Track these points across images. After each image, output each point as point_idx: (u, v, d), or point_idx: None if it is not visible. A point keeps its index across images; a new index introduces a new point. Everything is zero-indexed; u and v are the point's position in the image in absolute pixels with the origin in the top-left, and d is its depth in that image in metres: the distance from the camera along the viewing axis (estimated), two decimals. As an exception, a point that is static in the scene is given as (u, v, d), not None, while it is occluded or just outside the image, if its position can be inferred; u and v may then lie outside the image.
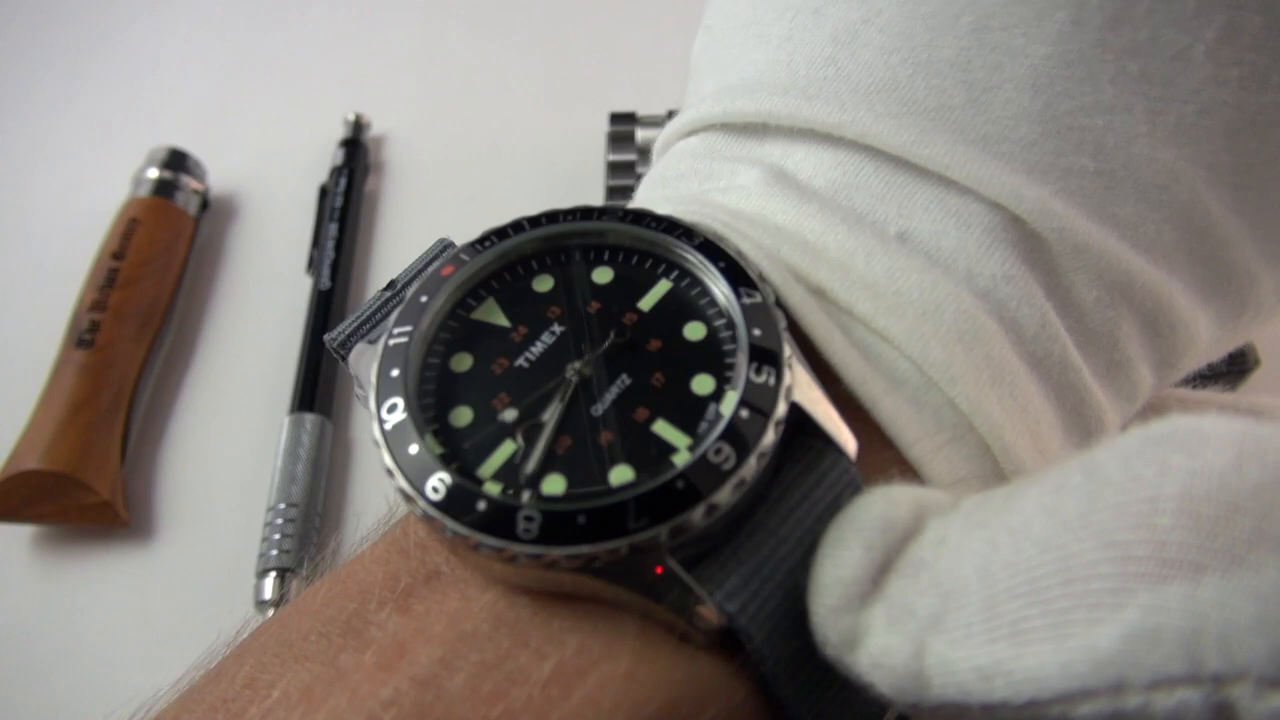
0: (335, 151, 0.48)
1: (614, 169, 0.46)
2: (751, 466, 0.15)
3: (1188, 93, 0.18)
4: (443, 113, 0.51)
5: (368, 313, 0.19)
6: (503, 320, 0.18)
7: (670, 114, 0.47)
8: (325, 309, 0.43)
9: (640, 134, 0.47)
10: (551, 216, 0.19)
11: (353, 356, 0.19)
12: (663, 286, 0.18)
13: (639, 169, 0.46)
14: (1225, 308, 0.20)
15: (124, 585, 0.36)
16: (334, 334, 0.19)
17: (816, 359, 0.17)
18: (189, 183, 0.46)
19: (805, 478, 0.16)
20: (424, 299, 0.18)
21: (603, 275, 0.19)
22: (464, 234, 0.49)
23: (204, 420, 0.41)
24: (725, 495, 0.15)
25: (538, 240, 0.19)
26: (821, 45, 0.20)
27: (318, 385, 0.40)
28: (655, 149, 0.24)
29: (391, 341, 0.17)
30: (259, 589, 0.34)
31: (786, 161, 0.20)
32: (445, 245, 0.20)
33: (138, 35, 0.56)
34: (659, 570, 0.15)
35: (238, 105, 0.52)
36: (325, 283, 0.43)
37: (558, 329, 0.18)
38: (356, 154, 0.48)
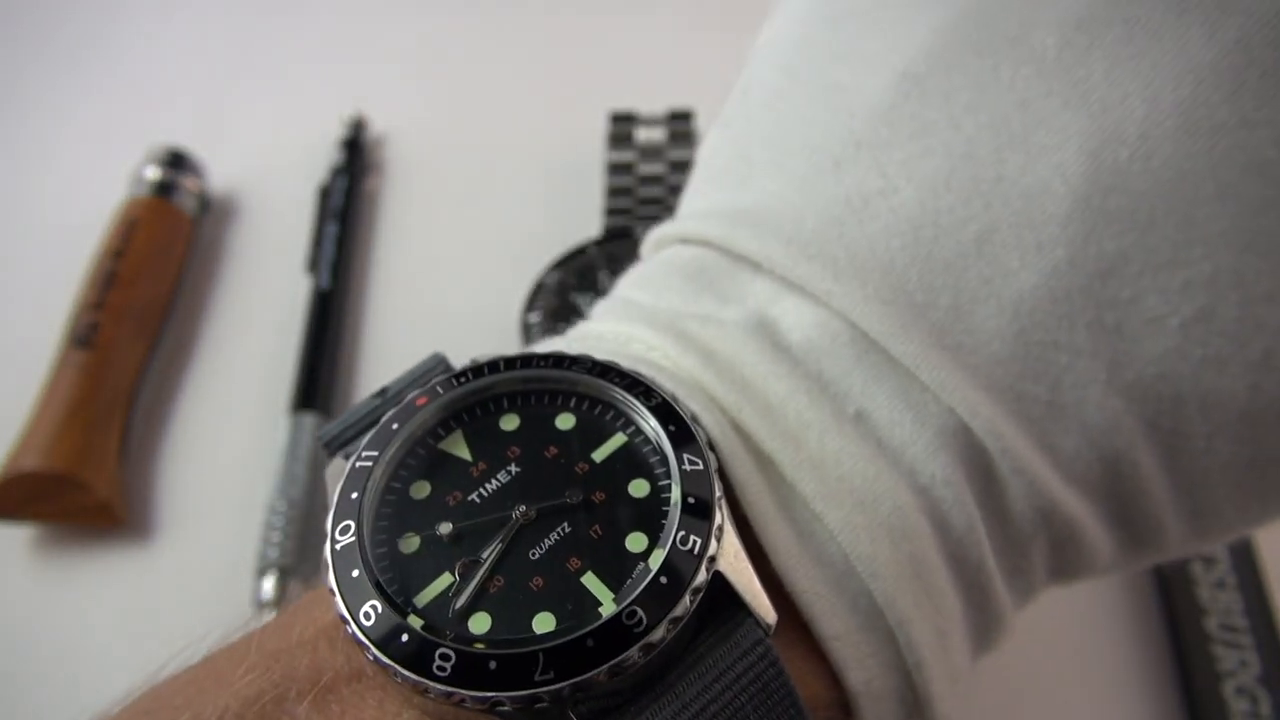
0: (335, 151, 0.48)
1: (613, 169, 0.46)
2: (661, 631, 0.16)
3: (1152, 356, 0.19)
4: (443, 113, 0.51)
5: (356, 417, 0.20)
6: (466, 454, 0.19)
7: (671, 114, 0.47)
8: (325, 309, 0.43)
9: (640, 134, 0.47)
10: (526, 360, 0.20)
11: (330, 468, 0.20)
12: (617, 440, 0.19)
13: (638, 169, 0.46)
14: (1129, 541, 0.21)
15: (123, 585, 0.36)
16: (323, 431, 0.20)
17: (751, 533, 0.18)
18: (188, 183, 0.46)
19: (720, 646, 0.16)
20: (395, 426, 0.19)
21: (565, 421, 0.19)
22: (463, 234, 0.48)
23: (203, 420, 0.41)
24: (633, 656, 0.15)
25: (513, 380, 0.20)
26: (834, 203, 0.21)
27: (317, 385, 0.40)
28: (649, 242, 0.25)
29: (358, 464, 0.18)
30: (258, 589, 0.34)
31: (771, 308, 0.21)
32: (438, 360, 0.21)
33: (138, 35, 0.56)
34: None
35: (237, 105, 0.52)
36: (325, 283, 0.43)
37: (514, 469, 0.19)
38: (356, 154, 0.48)
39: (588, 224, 0.45)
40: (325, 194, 0.47)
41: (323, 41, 0.55)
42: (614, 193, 0.45)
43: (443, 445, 0.19)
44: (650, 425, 0.19)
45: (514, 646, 0.16)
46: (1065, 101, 0.20)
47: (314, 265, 0.44)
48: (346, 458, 0.19)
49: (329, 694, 0.17)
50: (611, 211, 0.44)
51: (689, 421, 0.18)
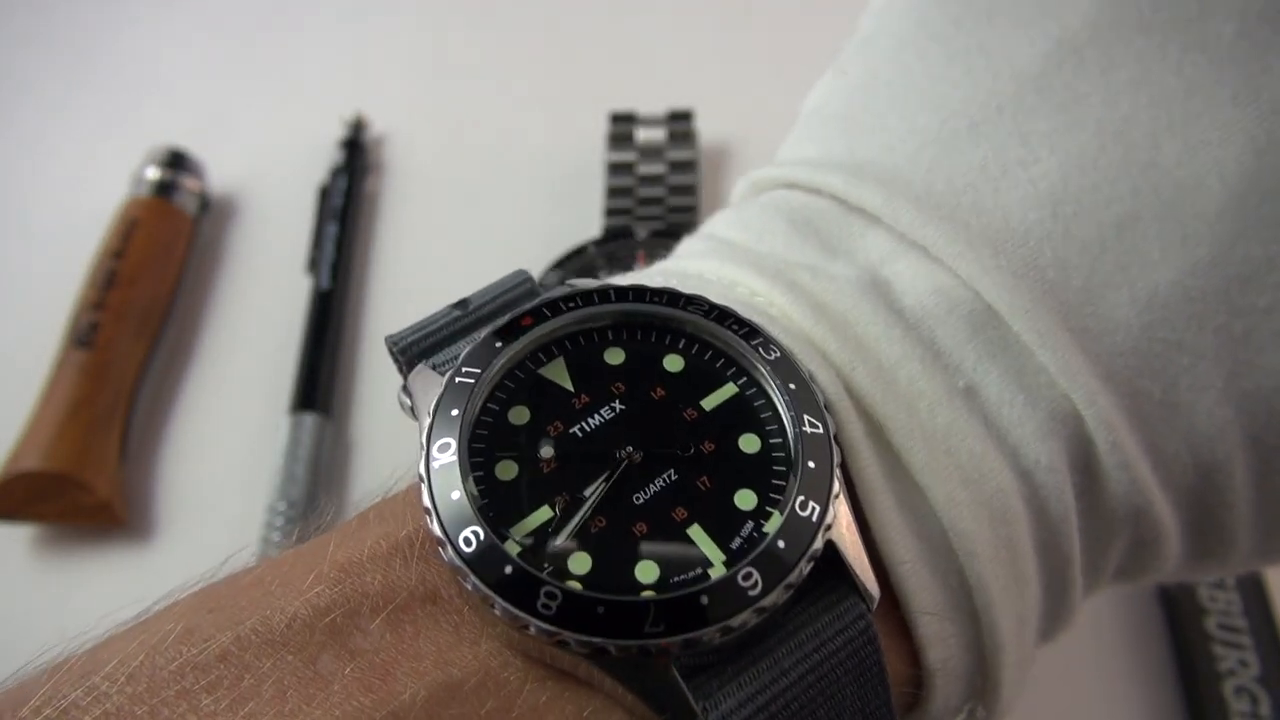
0: (335, 151, 0.48)
1: (614, 169, 0.46)
2: (775, 595, 0.15)
3: (1274, 369, 0.19)
4: (443, 113, 0.51)
5: (433, 326, 0.19)
6: (567, 384, 0.18)
7: (671, 114, 0.47)
8: (325, 309, 0.43)
9: (640, 134, 0.47)
10: (639, 294, 0.19)
11: (414, 375, 0.19)
12: (728, 390, 0.18)
13: (638, 169, 0.46)
14: (1196, 551, 0.21)
15: (123, 585, 0.36)
16: (395, 336, 0.19)
17: (856, 499, 0.18)
18: (188, 183, 0.46)
19: (822, 617, 0.16)
20: (498, 344, 0.18)
21: (674, 363, 0.19)
22: (463, 234, 0.48)
23: (203, 420, 0.41)
24: (744, 618, 0.15)
25: (620, 313, 0.19)
26: (967, 167, 0.20)
27: (317, 385, 0.40)
28: (743, 184, 0.24)
29: (458, 379, 0.17)
30: (258, 589, 0.34)
31: (886, 267, 0.20)
32: (524, 278, 0.20)
33: (138, 35, 0.56)
34: (663, 675, 0.15)
35: (237, 105, 0.52)
36: (325, 283, 0.43)
37: (618, 406, 0.18)
38: (356, 154, 0.48)
39: (588, 224, 0.45)
40: (325, 194, 0.47)
41: (323, 42, 0.55)
42: (614, 193, 0.45)
43: (543, 371, 0.18)
44: (768, 381, 0.18)
45: (617, 592, 0.15)
46: (1235, 95, 0.19)
47: (314, 265, 0.44)
48: (434, 368, 0.19)
49: (403, 614, 0.16)
50: (611, 211, 0.44)
51: (808, 380, 0.18)
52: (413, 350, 0.19)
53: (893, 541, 0.17)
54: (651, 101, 0.47)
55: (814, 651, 0.16)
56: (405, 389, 0.19)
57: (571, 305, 0.19)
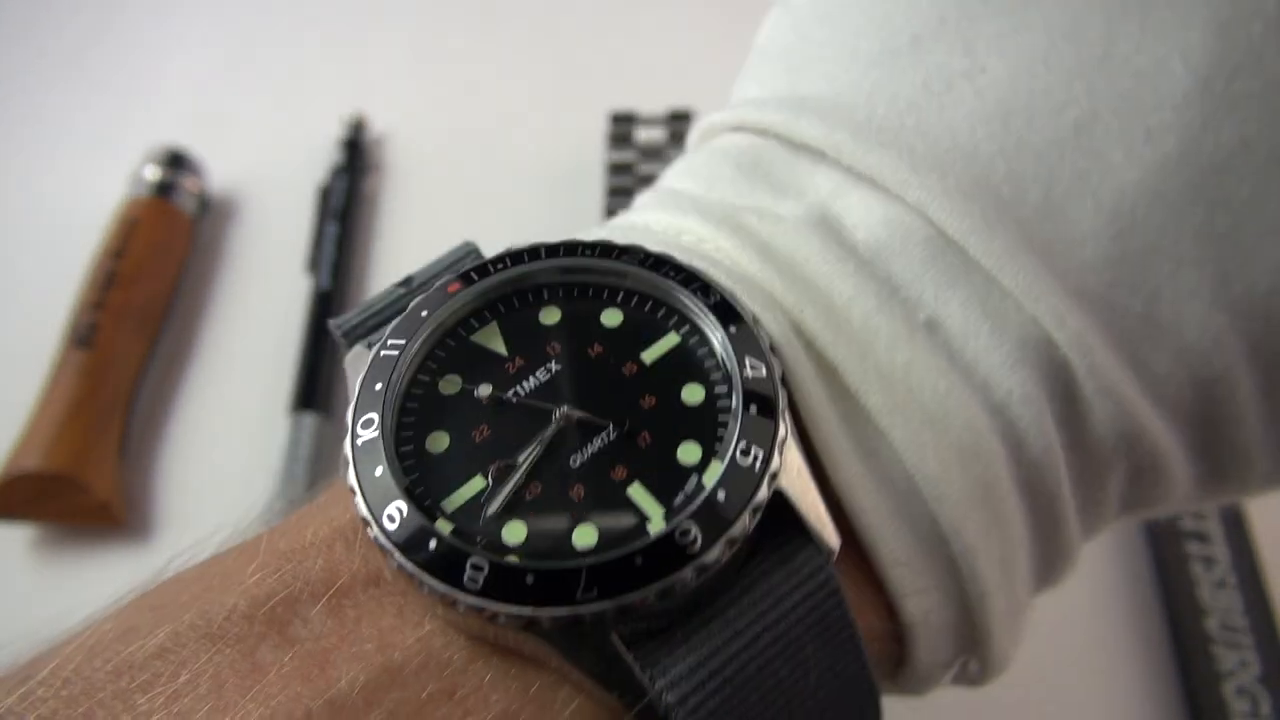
0: (335, 151, 0.48)
1: (614, 169, 0.46)
2: (717, 552, 0.14)
3: (1267, 268, 0.17)
4: (443, 113, 0.51)
5: (378, 306, 0.19)
6: (501, 348, 0.17)
7: (671, 114, 0.47)
8: (325, 309, 0.43)
9: (640, 134, 0.47)
10: (571, 248, 0.18)
11: (349, 356, 0.18)
12: (670, 340, 0.17)
13: (638, 169, 0.46)
14: (1210, 474, 0.19)
15: (122, 585, 0.36)
16: (340, 321, 0.19)
17: (811, 446, 0.17)
18: (188, 183, 0.46)
19: (777, 571, 0.15)
20: (424, 313, 0.17)
21: (612, 317, 0.18)
22: (463, 234, 0.48)
23: (203, 420, 0.41)
24: (684, 578, 0.14)
25: (553, 270, 0.18)
26: (911, 87, 0.19)
27: (317, 385, 0.40)
28: (696, 132, 0.23)
29: (383, 353, 0.17)
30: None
31: (836, 203, 0.19)
32: (470, 250, 0.19)
33: (138, 35, 0.56)
34: (604, 644, 0.14)
35: (237, 105, 0.52)
36: (325, 283, 0.43)
37: (554, 367, 0.17)
38: (356, 154, 0.48)
39: (588, 224, 0.44)
40: (325, 194, 0.47)
41: (323, 41, 0.55)
42: (614, 193, 0.45)
43: (475, 337, 0.18)
44: (708, 325, 0.17)
45: (553, 559, 0.14)
46: None
47: (314, 265, 0.44)
48: (368, 346, 0.18)
49: (344, 598, 0.15)
50: (611, 211, 0.44)
51: (750, 322, 0.17)
52: (355, 333, 0.18)
53: (853, 488, 0.16)
54: (651, 101, 0.47)
55: (770, 609, 0.15)
56: (346, 378, 0.18)
57: (500, 267, 0.18)
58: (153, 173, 0.45)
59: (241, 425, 0.40)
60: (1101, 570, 0.35)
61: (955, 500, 0.16)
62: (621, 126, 0.47)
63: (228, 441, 0.40)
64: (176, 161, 0.46)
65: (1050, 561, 0.19)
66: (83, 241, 0.44)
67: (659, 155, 0.46)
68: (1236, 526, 0.34)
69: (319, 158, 0.49)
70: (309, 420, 0.39)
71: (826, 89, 0.20)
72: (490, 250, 0.19)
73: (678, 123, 0.47)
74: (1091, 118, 0.17)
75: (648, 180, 0.45)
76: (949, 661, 0.18)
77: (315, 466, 0.38)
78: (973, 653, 0.18)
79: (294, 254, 0.45)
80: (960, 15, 0.19)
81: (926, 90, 0.18)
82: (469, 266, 0.18)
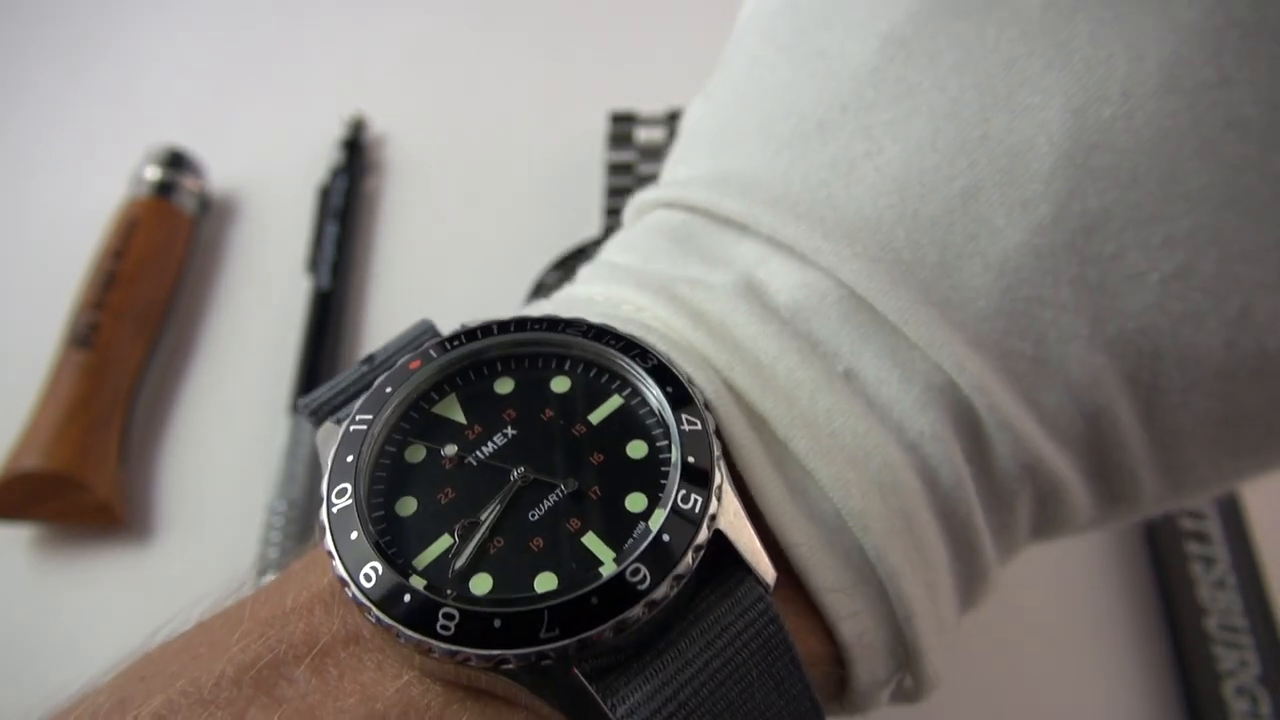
0: (335, 151, 0.48)
1: (613, 169, 0.46)
2: (664, 588, 0.16)
3: (1133, 311, 0.19)
4: (443, 113, 0.51)
5: (344, 384, 0.20)
6: (460, 417, 0.19)
7: (671, 115, 0.47)
8: (325, 309, 0.43)
9: (640, 134, 0.47)
10: (520, 324, 0.20)
11: (320, 433, 0.20)
12: (614, 402, 0.19)
13: (638, 169, 0.46)
14: (1105, 497, 0.21)
15: (123, 585, 0.36)
16: (308, 399, 0.20)
17: (746, 491, 0.18)
18: (188, 183, 0.46)
19: (721, 603, 0.17)
20: (389, 389, 0.19)
21: (560, 384, 0.19)
22: (463, 234, 0.48)
23: (203, 420, 0.41)
24: (636, 613, 0.16)
25: (505, 344, 0.20)
26: (819, 166, 0.21)
27: (317, 385, 0.40)
28: (631, 208, 0.25)
29: (352, 428, 0.18)
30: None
31: (759, 269, 0.21)
32: (426, 327, 0.21)
33: (137, 34, 0.56)
34: (568, 679, 0.16)
35: (237, 105, 0.52)
36: (325, 283, 0.43)
37: (510, 431, 0.19)
38: (356, 154, 0.48)
39: (588, 224, 0.45)
40: (325, 194, 0.47)
41: (323, 41, 0.55)
42: (614, 193, 0.45)
43: (437, 409, 0.19)
44: (647, 387, 0.19)
45: (517, 605, 0.16)
46: (1049, 62, 0.20)
47: (314, 265, 0.44)
48: (337, 422, 0.19)
49: (326, 657, 0.17)
50: (611, 211, 0.44)
51: (685, 383, 0.18)
52: (323, 410, 0.20)
53: (785, 526, 0.18)
54: (651, 101, 0.47)
55: (717, 637, 0.16)
56: (319, 454, 0.19)
57: (456, 344, 0.20)
58: (153, 173, 0.45)
59: (241, 425, 0.40)
60: (1101, 570, 0.35)
61: (879, 530, 0.18)
62: (621, 126, 0.47)
63: (228, 441, 0.40)
64: (176, 161, 0.46)
65: (970, 583, 0.21)
66: (83, 241, 0.44)
67: (659, 155, 0.46)
68: (1236, 526, 0.34)
69: (319, 158, 0.49)
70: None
71: (746, 167, 0.22)
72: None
73: (677, 123, 0.47)
74: (976, 189, 0.20)
75: (648, 180, 0.45)
76: (886, 680, 0.20)
77: (315, 466, 0.38)
78: (907, 669, 0.20)
79: (294, 254, 0.45)
80: (858, 104, 0.21)
81: (834, 169, 0.21)
82: (427, 343, 0.20)
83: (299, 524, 0.36)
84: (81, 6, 0.57)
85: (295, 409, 0.39)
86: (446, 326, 0.21)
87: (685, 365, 0.19)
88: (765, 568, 0.17)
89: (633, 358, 0.19)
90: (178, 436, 0.40)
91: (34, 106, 0.53)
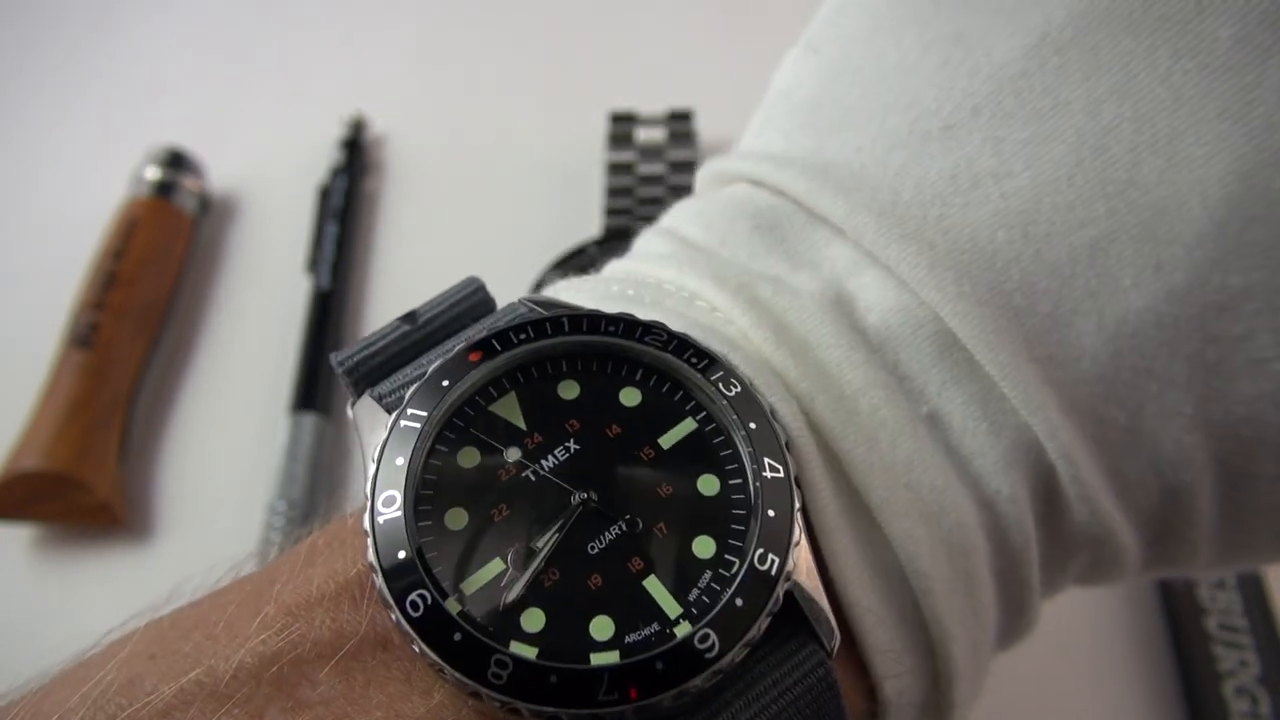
0: (335, 151, 0.48)
1: (613, 169, 0.46)
2: (734, 656, 0.15)
3: (1245, 397, 0.18)
4: (443, 113, 0.51)
5: (381, 343, 0.18)
6: (520, 421, 0.17)
7: (671, 114, 0.47)
8: (325, 309, 0.43)
9: (640, 134, 0.47)
10: (594, 323, 0.18)
11: (360, 407, 0.18)
12: (687, 425, 0.17)
13: (638, 169, 0.45)
14: (1157, 559, 0.20)
15: (123, 585, 0.36)
16: (343, 356, 0.18)
17: (814, 535, 0.17)
18: (188, 183, 0.46)
19: (782, 666, 0.16)
20: (445, 383, 0.17)
21: (630, 396, 0.18)
22: (463, 234, 0.48)
23: (203, 420, 0.41)
24: (700, 682, 0.15)
25: (574, 344, 0.18)
26: (938, 176, 0.19)
27: (317, 385, 0.40)
28: (708, 173, 0.23)
29: (403, 423, 0.17)
30: (258, 589, 0.34)
31: (850, 280, 0.19)
32: (476, 286, 0.19)
33: (138, 35, 0.56)
34: None
35: (237, 105, 0.52)
36: (325, 283, 0.43)
37: (573, 446, 0.17)
38: (356, 154, 0.48)
39: (588, 224, 0.45)
40: (325, 194, 0.47)
41: (323, 41, 0.55)
42: (614, 193, 0.45)
43: (494, 408, 0.17)
44: (727, 417, 0.17)
45: (573, 659, 0.15)
46: (1225, 109, 0.17)
47: (314, 265, 0.44)
48: (379, 399, 0.18)
49: (353, 661, 0.15)
50: (611, 211, 0.44)
51: (769, 418, 0.17)
52: (359, 370, 0.18)
53: (851, 583, 0.17)
54: (651, 101, 0.47)
55: (773, 702, 0.15)
56: (355, 429, 0.18)
57: (523, 338, 0.18)
58: (153, 173, 0.45)
59: (241, 425, 0.40)
60: (1101, 570, 0.35)
61: (941, 594, 0.17)
62: (621, 126, 0.47)
63: (228, 441, 0.40)
64: (176, 161, 0.46)
65: (1010, 634, 0.20)
66: (83, 241, 0.44)
67: (659, 155, 0.46)
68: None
69: (319, 158, 0.49)
70: (309, 420, 0.39)
71: (853, 159, 0.20)
72: (493, 273, 0.19)
73: (678, 123, 0.47)
74: (1109, 240, 0.18)
75: (647, 180, 0.45)
76: None
77: (315, 466, 0.38)
78: (934, 719, 0.19)
79: (294, 254, 0.45)
80: (994, 110, 0.19)
81: (954, 183, 0.19)
82: (475, 304, 0.19)
83: (299, 524, 0.36)
84: (82, 7, 0.57)
85: (297, 406, 0.39)
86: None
87: (768, 393, 0.17)
88: (832, 633, 0.16)
89: (715, 382, 0.17)
90: (178, 436, 0.40)
91: (34, 106, 0.53)
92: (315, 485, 0.37)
